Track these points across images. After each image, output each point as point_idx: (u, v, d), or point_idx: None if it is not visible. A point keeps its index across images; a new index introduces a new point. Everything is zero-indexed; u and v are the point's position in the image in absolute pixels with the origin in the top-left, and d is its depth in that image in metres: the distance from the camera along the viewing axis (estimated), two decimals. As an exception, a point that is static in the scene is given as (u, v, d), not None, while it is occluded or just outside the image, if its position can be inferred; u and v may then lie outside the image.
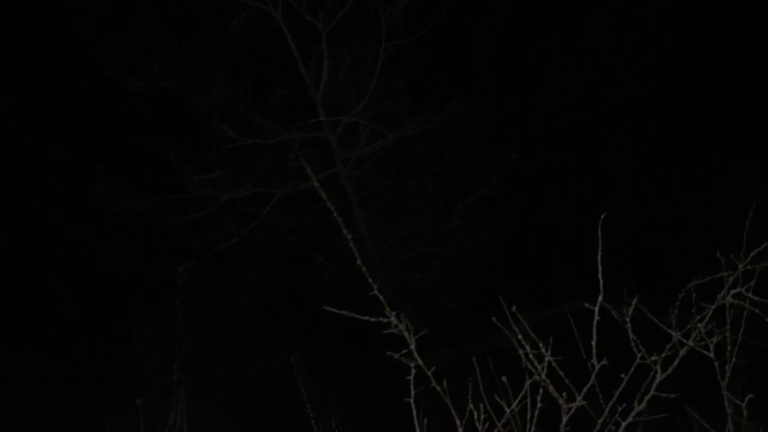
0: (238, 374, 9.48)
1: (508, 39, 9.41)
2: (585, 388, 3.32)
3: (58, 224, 9.27)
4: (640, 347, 3.26)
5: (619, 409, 3.33)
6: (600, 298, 3.25)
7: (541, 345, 3.34)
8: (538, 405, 3.34)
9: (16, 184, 9.17)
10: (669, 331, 3.22)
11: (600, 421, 3.35)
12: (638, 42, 9.69)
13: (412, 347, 3.78)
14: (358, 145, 8.01)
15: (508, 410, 3.38)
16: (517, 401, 3.37)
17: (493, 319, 3.58)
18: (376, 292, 3.94)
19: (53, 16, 8.63)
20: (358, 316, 3.95)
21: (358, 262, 3.96)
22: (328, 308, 3.97)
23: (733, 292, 3.09)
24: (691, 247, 7.86)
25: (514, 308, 3.52)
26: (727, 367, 3.16)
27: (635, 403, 3.35)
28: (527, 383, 3.36)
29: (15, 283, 9.69)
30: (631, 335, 3.30)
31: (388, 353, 3.80)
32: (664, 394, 3.25)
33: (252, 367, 9.60)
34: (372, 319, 3.93)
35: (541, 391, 3.37)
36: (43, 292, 9.84)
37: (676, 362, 3.22)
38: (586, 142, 9.76)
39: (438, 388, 3.53)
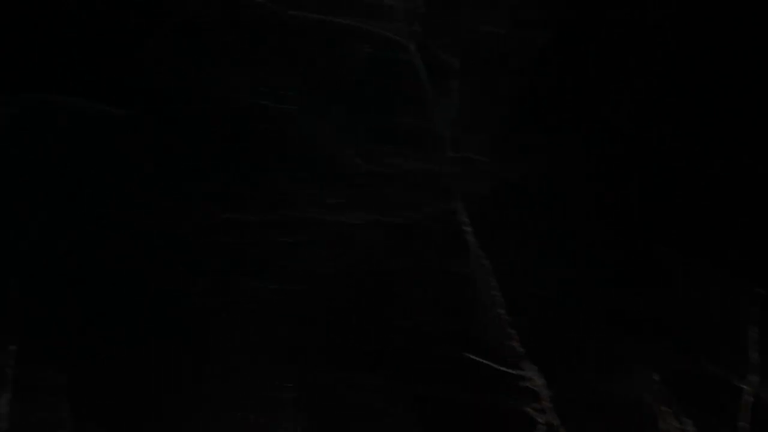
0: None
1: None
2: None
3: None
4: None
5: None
6: None
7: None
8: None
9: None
10: None
11: None
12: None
13: (546, 404, 3.65)
14: (479, 181, 7.91)
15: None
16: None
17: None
18: (515, 344, 3.83)
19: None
20: (494, 365, 3.84)
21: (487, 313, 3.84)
22: (469, 355, 3.87)
23: None
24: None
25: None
26: None
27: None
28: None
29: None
30: None
31: (523, 408, 3.67)
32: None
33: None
34: (506, 369, 3.83)
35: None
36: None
37: None
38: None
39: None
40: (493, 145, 7.85)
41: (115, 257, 8.66)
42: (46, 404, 6.61)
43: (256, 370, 7.50)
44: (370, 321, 8.76)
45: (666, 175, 9.07)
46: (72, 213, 8.49)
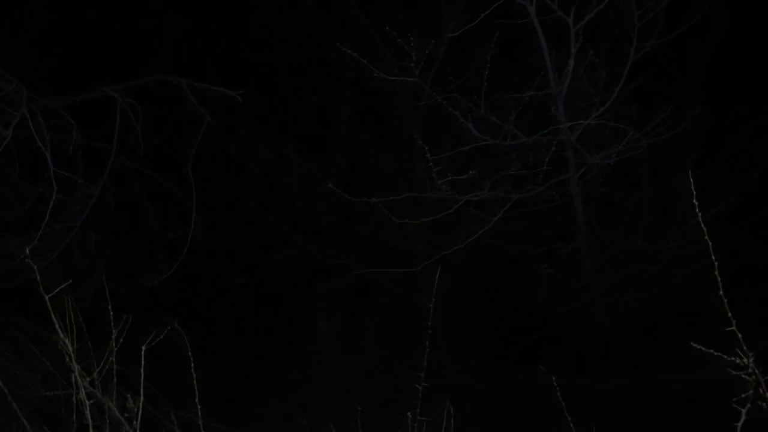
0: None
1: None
2: None
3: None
4: None
5: None
6: None
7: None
8: None
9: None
10: None
11: None
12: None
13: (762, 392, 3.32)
14: (594, 151, 7.51)
15: None
16: None
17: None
18: (734, 328, 3.50)
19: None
20: (720, 354, 3.51)
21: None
22: (695, 345, 3.53)
23: None
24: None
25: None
26: None
27: None
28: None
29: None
30: None
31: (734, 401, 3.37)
32: None
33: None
34: (721, 355, 3.52)
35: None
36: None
37: None
38: None
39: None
40: (608, 111, 7.41)
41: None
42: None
43: (386, 357, 7.27)
44: (504, 305, 8.45)
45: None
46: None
